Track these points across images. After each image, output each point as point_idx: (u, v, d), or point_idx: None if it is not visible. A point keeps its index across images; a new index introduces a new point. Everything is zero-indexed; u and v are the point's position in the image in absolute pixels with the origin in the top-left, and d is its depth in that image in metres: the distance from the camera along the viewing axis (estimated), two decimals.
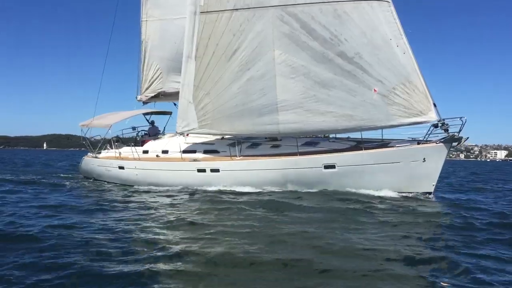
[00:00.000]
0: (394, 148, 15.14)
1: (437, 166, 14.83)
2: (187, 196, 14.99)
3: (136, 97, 21.46)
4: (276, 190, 15.76)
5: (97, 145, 21.86)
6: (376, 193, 14.97)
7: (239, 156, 16.82)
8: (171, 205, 13.11)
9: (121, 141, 21.78)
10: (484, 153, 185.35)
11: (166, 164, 18.15)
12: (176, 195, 15.28)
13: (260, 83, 15.68)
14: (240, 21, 15.63)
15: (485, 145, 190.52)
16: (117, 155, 20.29)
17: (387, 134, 16.48)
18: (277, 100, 15.56)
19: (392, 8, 14.53)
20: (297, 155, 15.88)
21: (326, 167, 15.50)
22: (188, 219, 10.19)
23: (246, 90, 15.96)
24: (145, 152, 19.63)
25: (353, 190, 15.24)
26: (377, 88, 14.68)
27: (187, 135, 18.95)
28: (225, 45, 15.97)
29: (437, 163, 14.79)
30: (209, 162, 17.16)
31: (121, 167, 19.63)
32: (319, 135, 17.33)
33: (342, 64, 14.80)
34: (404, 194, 14.96)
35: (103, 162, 20.65)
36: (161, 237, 8.35)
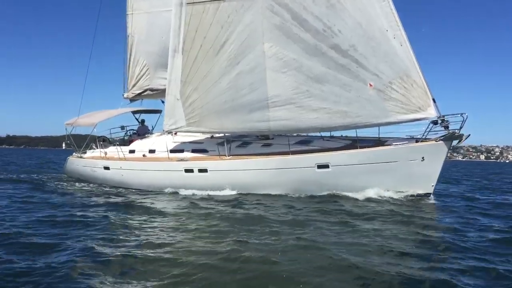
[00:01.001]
0: (391, 147, 14.29)
1: (436, 166, 13.99)
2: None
3: (123, 95, 20.59)
4: (267, 192, 14.97)
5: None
6: (372, 195, 14.17)
7: (228, 156, 15.97)
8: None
9: (108, 141, 20.92)
10: (505, 154, 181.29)
11: (152, 164, 17.31)
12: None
13: (250, 77, 14.84)
14: (228, 12, 14.78)
15: (507, 146, 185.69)
16: (103, 155, 19.45)
17: (384, 132, 15.68)
18: (268, 96, 14.72)
19: None
20: (289, 154, 15.04)
21: (320, 166, 14.65)
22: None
23: (236, 85, 15.12)
24: (132, 151, 18.79)
25: (348, 191, 14.43)
26: (373, 82, 13.84)
27: (175, 133, 18.13)
28: (213, 38, 15.13)
29: (436, 163, 13.95)
30: (196, 162, 16.32)
31: (106, 168, 18.78)
32: (313, 133, 16.46)
33: (336, 58, 13.95)
34: (401, 195, 14.15)
35: (88, 162, 19.80)
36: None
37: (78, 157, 20.56)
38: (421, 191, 14.26)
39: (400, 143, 14.40)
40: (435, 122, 13.80)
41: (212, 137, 17.43)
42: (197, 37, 15.35)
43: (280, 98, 14.61)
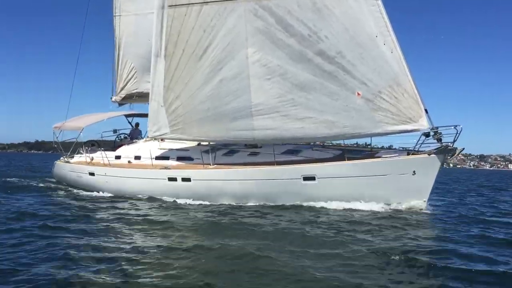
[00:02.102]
0: (380, 159, 13.50)
1: (428, 180, 13.18)
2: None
3: (111, 98, 19.99)
4: (250, 204, 14.32)
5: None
6: (360, 209, 13.41)
7: (213, 164, 15.31)
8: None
9: (97, 145, 20.39)
10: None
11: (135, 171, 16.73)
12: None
13: (233, 84, 14.14)
14: (211, 15, 14.09)
15: None
16: (89, 160, 18.92)
17: (382, 142, 14.96)
18: (252, 104, 14.01)
19: (379, 1, 12.89)
20: (274, 164, 14.34)
21: (306, 178, 13.93)
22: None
23: (218, 92, 14.44)
24: (118, 157, 18.22)
25: (335, 205, 13.70)
26: (361, 91, 13.06)
27: (162, 140, 17.55)
28: (196, 43, 14.46)
29: (428, 177, 13.14)
30: (180, 170, 15.70)
31: (91, 173, 18.25)
32: (303, 143, 15.72)
33: (322, 64, 13.19)
34: (391, 211, 13.36)
35: (74, 167, 19.28)
36: None
37: (65, 161, 20.07)
38: (412, 207, 13.47)
39: (390, 155, 13.63)
40: (426, 134, 12.99)
41: (199, 144, 16.79)
42: (179, 41, 14.71)
43: (264, 107, 13.90)
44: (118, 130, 20.80)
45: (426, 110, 12.99)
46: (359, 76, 13.01)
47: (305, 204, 14.03)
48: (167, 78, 15.24)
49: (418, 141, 13.10)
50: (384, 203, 13.52)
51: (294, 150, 15.43)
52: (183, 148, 16.89)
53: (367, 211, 13.27)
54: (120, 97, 19.61)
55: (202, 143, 16.52)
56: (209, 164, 15.32)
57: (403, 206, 13.51)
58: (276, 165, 14.27)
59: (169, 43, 14.88)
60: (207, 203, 14.59)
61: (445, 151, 12.89)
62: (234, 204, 14.42)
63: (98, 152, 18.94)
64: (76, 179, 19.14)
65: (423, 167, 13.05)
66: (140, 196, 16.12)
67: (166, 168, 16.02)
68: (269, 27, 13.47)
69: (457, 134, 12.62)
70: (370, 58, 12.94)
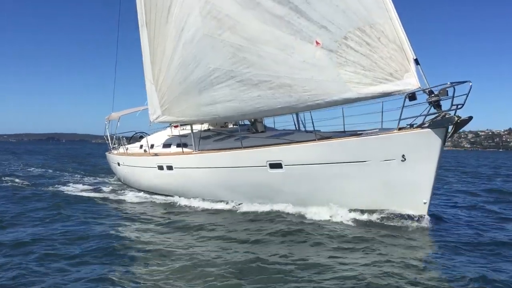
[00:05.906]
0: (355, 139, 9.34)
1: (427, 169, 8.57)
2: None
3: None
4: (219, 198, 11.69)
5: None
6: (330, 213, 9.53)
7: (196, 151, 12.91)
8: None
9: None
10: None
11: (134, 159, 15.47)
12: None
13: (193, 48, 11.61)
14: None
15: None
16: (124, 150, 18.32)
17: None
18: (210, 70, 11.24)
19: None
20: (241, 148, 11.30)
21: (272, 166, 10.53)
22: None
23: (184, 60, 12.07)
24: (141, 147, 17.17)
25: (302, 204, 10.07)
26: (320, 39, 9.23)
27: (176, 126, 15.85)
28: (162, 4, 12.46)
29: (426, 164, 8.54)
30: (164, 158, 13.78)
31: (118, 164, 17.59)
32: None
33: (272, 8, 9.72)
34: (376, 217, 9.13)
35: (113, 158, 18.92)
36: None
37: (110, 153, 19.93)
38: (407, 211, 8.94)
39: (369, 133, 9.39)
40: (411, 97, 8.45)
41: (209, 129, 14.72)
42: (152, 6, 12.95)
43: (220, 72, 11.00)
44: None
45: (416, 61, 8.50)
46: (316, 17, 9.20)
47: (274, 200, 10.67)
48: (151, 51, 13.58)
49: (402, 108, 8.56)
50: (366, 204, 9.33)
51: (285, 133, 12.13)
52: (183, 134, 14.87)
53: (338, 216, 9.33)
54: None
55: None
56: (192, 150, 12.99)
57: (394, 210, 9.09)
58: (243, 148, 11.19)
59: (146, 9, 13.25)
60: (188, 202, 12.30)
61: (445, 122, 8.19)
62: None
63: (135, 143, 18.22)
64: (114, 169, 18.83)
65: (416, 148, 8.55)
66: (139, 186, 14.78)
67: (156, 155, 14.26)
68: None
69: (452, 97, 7.90)
70: None
